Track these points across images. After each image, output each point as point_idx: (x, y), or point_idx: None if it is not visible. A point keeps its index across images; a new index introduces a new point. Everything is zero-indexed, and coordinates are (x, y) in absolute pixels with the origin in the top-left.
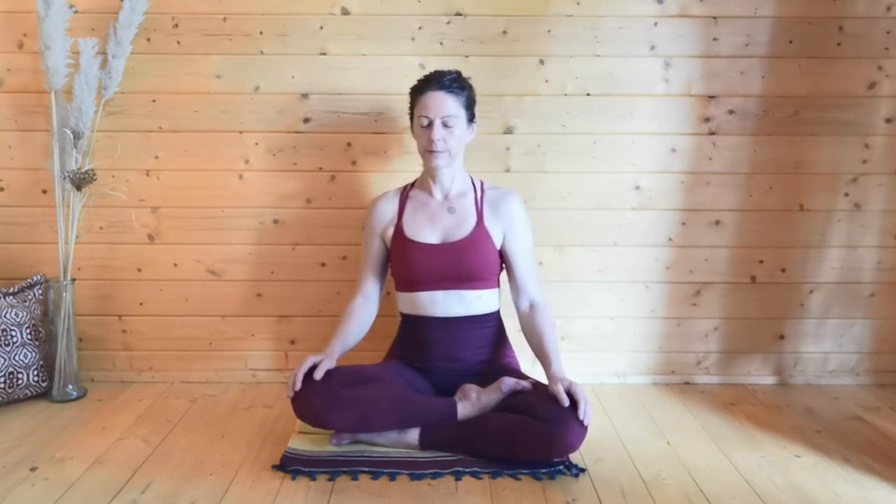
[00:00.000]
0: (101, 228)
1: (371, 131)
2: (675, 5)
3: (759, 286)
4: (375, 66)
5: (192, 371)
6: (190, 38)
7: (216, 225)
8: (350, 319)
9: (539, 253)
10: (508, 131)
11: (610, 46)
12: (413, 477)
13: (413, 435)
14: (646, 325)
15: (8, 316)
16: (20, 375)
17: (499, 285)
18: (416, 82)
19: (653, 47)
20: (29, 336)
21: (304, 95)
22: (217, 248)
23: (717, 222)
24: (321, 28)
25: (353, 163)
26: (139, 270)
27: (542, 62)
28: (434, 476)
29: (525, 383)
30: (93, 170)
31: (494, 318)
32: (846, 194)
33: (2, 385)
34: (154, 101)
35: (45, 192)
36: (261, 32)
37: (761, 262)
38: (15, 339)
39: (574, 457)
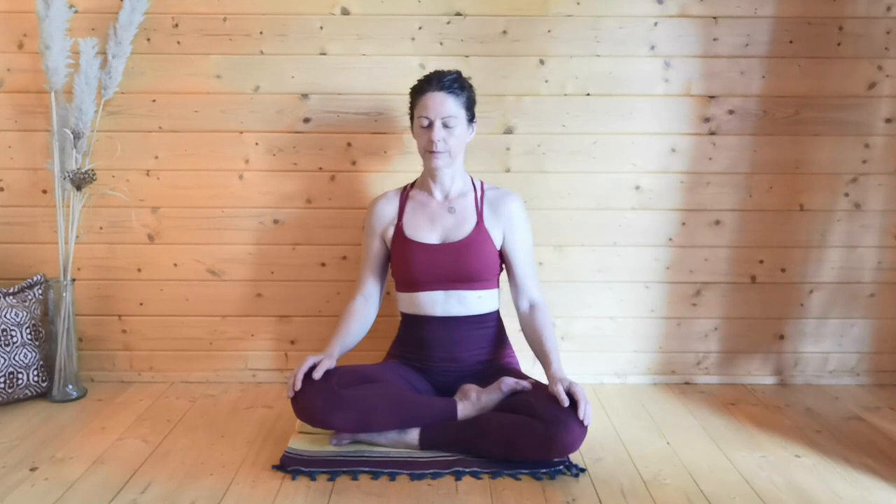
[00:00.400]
0: (101, 228)
1: (371, 131)
2: (675, 5)
3: (759, 286)
4: (375, 66)
5: (192, 371)
6: (190, 38)
7: (216, 225)
8: (350, 319)
9: (539, 253)
10: (508, 131)
11: (610, 46)
12: (413, 477)
13: (413, 435)
14: (646, 325)
15: (8, 316)
16: (20, 375)
17: (499, 286)
18: (416, 82)
19: (653, 47)
20: (29, 336)
21: (304, 95)
22: (217, 248)
23: (717, 222)
24: (321, 28)
25: (353, 163)
26: (139, 270)
27: (542, 62)
28: (434, 476)
29: (525, 383)
30: (93, 170)
31: (494, 319)
32: (846, 194)
33: (2, 385)
34: (154, 101)
35: (45, 192)
36: (261, 32)
37: (761, 262)
38: (15, 339)
39: (574, 457)
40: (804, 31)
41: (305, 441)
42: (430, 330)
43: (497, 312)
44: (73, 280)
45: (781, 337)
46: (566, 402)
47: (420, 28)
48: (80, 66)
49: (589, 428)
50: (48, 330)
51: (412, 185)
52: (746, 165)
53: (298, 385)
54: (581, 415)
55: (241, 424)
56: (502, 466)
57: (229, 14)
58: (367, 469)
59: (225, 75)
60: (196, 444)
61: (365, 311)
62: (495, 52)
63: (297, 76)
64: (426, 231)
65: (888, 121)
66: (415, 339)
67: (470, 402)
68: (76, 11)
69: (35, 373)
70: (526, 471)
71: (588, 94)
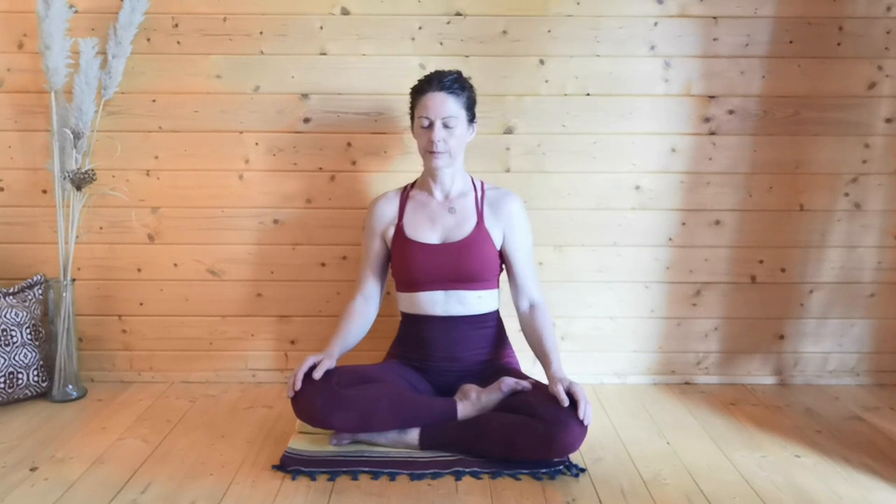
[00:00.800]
0: (101, 228)
1: (371, 131)
2: (675, 5)
3: (759, 286)
4: (375, 66)
5: (192, 371)
6: (190, 38)
7: (216, 225)
8: (350, 319)
9: (539, 253)
10: (508, 131)
11: (610, 46)
12: (413, 477)
13: (413, 435)
14: (646, 325)
15: (8, 316)
16: (20, 375)
17: (499, 286)
18: (416, 82)
19: (653, 47)
20: (29, 336)
21: (304, 95)
22: (217, 248)
23: (717, 222)
24: (321, 28)
25: (353, 163)
26: (139, 270)
27: (542, 62)
28: (434, 476)
29: (525, 383)
30: (93, 170)
31: (494, 319)
32: (846, 194)
33: (2, 385)
34: (154, 101)
35: (45, 192)
36: (261, 32)
37: (761, 262)
38: (15, 339)
39: (574, 457)
40: (804, 31)
41: (305, 441)
42: (430, 330)
43: (497, 312)
44: (73, 280)
45: (781, 337)
46: (566, 402)
47: (420, 28)
48: (80, 66)
49: (589, 428)
50: (48, 330)
51: (412, 185)
52: (746, 165)
53: (298, 385)
54: (581, 415)
55: (241, 424)
56: (502, 466)
57: (229, 14)
58: (367, 469)
59: (225, 75)
60: (196, 444)
61: (365, 311)
62: (495, 52)
63: (297, 76)
64: (426, 231)
65: (888, 121)
66: (415, 338)
67: (470, 402)
68: (76, 11)
69: (35, 373)
70: (526, 471)
71: (588, 94)
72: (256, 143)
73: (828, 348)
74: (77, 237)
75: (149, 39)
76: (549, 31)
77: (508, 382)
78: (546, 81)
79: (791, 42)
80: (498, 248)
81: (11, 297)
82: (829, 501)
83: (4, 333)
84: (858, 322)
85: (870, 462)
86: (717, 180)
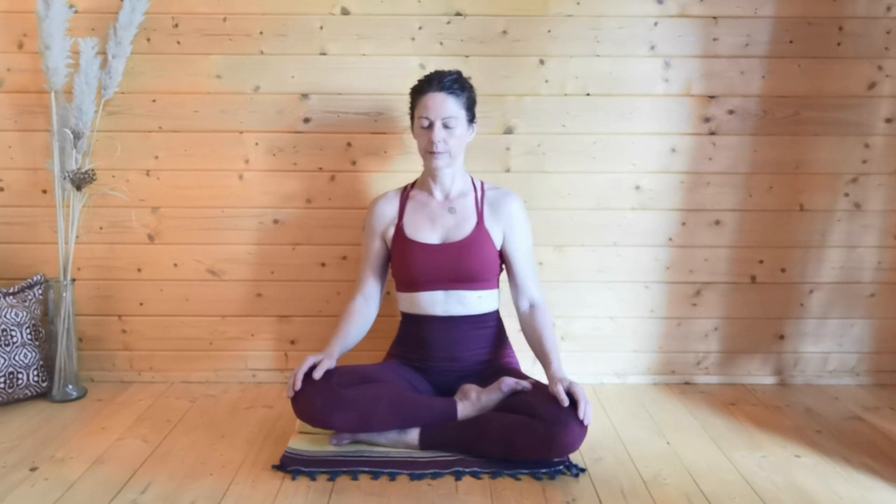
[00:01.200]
0: (101, 228)
1: (371, 131)
2: (675, 5)
3: (759, 286)
4: (375, 66)
5: (192, 371)
6: (190, 38)
7: (216, 225)
8: (350, 319)
9: (539, 253)
10: (508, 131)
11: (610, 46)
12: (413, 477)
13: (413, 435)
14: (646, 325)
15: (8, 316)
16: (20, 375)
17: (499, 286)
18: (416, 83)
19: (653, 47)
20: (29, 336)
21: (304, 95)
22: (217, 248)
23: (717, 222)
24: (321, 28)
25: (353, 163)
26: (139, 270)
27: (542, 62)
28: (434, 476)
29: (525, 383)
30: (93, 170)
31: (494, 319)
32: (846, 194)
33: (2, 385)
34: (154, 101)
35: (45, 192)
36: (261, 32)
37: (761, 262)
38: (15, 339)
39: (574, 457)
40: (804, 31)
41: (305, 441)
42: (430, 330)
43: (497, 312)
44: (73, 280)
45: (781, 337)
46: (566, 402)
47: (420, 28)
48: (80, 66)
49: (589, 428)
50: (48, 330)
51: (412, 185)
52: (746, 165)
53: (298, 385)
54: (581, 415)
55: (241, 424)
56: (502, 466)
57: (229, 14)
58: (367, 469)
59: (225, 75)
60: (196, 444)
61: (365, 311)
62: (495, 52)
63: (297, 76)
64: (426, 231)
65: (888, 121)
66: (415, 338)
67: (470, 402)
68: (76, 11)
69: (35, 373)
70: (526, 471)
71: (588, 94)
72: (256, 143)
73: (828, 348)
74: (77, 237)
75: (149, 39)
76: (549, 31)
77: (508, 382)
78: (546, 81)
79: (791, 42)
80: (498, 248)
81: (11, 297)
82: (829, 501)
83: (4, 333)
84: (858, 322)
85: (870, 462)
86: (717, 180)
